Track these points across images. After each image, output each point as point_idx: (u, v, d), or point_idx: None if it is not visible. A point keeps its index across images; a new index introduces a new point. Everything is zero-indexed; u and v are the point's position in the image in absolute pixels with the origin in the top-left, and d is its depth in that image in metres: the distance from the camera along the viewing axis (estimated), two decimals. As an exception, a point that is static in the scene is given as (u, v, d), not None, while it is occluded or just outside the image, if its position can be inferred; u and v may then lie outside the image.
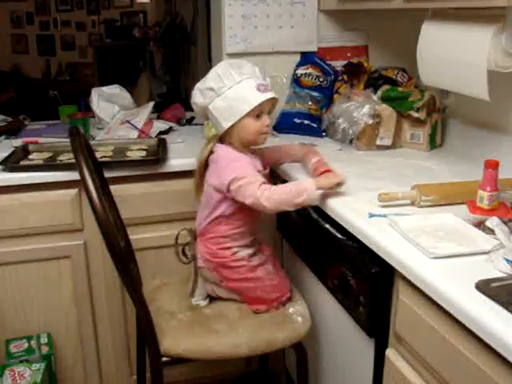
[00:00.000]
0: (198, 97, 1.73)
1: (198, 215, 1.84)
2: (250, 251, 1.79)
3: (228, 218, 1.74)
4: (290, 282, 1.89)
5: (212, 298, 1.85)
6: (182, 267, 1.99)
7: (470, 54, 1.73)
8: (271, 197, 1.60)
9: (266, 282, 1.80)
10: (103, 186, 1.85)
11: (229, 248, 1.76)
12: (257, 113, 1.70)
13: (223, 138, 1.76)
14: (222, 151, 1.74)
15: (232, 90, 1.67)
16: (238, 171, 1.66)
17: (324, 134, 2.49)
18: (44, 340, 2.14)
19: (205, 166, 1.78)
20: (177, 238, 1.84)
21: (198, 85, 1.73)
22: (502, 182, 1.65)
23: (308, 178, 1.72)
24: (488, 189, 1.46)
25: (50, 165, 2.07)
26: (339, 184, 1.69)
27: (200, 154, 1.79)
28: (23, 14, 8.19)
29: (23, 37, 8.32)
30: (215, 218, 1.74)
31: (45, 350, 2.11)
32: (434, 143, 2.28)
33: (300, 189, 1.62)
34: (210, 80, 1.70)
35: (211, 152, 1.76)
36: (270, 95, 1.70)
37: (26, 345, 2.11)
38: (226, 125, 1.69)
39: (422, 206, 1.59)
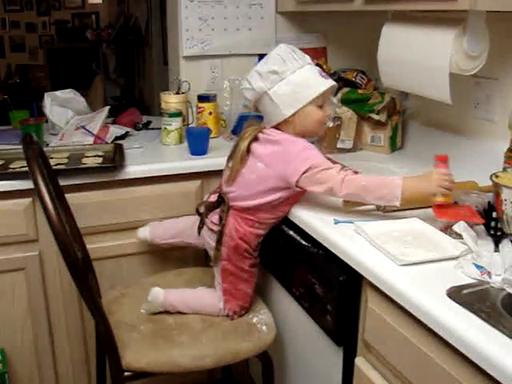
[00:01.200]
0: (256, 80, 1.62)
1: (232, 187, 1.70)
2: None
3: (274, 208, 1.67)
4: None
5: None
6: (140, 276, 1.95)
7: (432, 57, 1.72)
8: (353, 181, 1.50)
9: (253, 278, 1.79)
10: (58, 194, 1.78)
11: (258, 236, 1.72)
12: (320, 101, 1.63)
13: (278, 129, 1.66)
14: (288, 137, 1.63)
15: (296, 74, 1.60)
16: (313, 158, 1.56)
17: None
18: (-2, 356, 2.05)
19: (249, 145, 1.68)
20: (208, 197, 1.82)
21: (258, 68, 1.63)
22: (465, 185, 1.66)
23: (400, 176, 1.52)
24: None
25: (1, 173, 1.98)
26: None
27: (241, 144, 1.68)
28: (-30, 14, 7.96)
29: (-30, 38, 8.08)
30: (262, 203, 1.65)
31: (-2, 366, 2.02)
32: (394, 145, 2.28)
33: (385, 186, 1.48)
34: (272, 63, 1.61)
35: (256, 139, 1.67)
36: (332, 82, 1.65)
37: (-21, 362, 2.02)
38: (289, 112, 1.60)
39: (387, 211, 1.57)
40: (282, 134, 1.65)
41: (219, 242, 1.72)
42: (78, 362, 2.22)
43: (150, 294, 1.80)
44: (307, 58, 1.66)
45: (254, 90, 1.64)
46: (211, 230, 1.75)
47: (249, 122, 1.75)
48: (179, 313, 1.80)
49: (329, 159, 1.67)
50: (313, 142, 1.73)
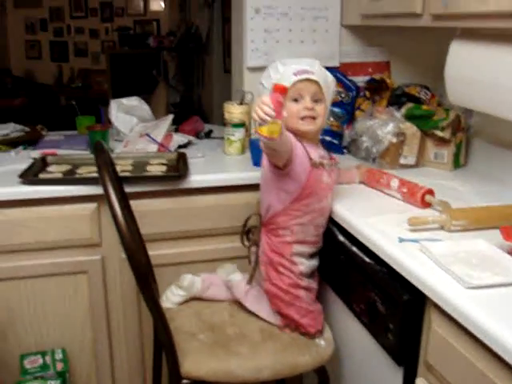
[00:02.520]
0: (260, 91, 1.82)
1: (260, 204, 1.84)
2: (305, 268, 1.77)
3: (287, 209, 1.71)
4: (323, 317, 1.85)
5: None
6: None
7: (504, 76, 1.69)
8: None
9: (303, 304, 1.76)
10: (124, 201, 1.82)
11: (289, 243, 1.73)
12: (295, 95, 1.70)
13: None
14: None
15: (274, 80, 1.73)
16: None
17: (345, 151, 2.46)
18: (59, 356, 2.10)
19: None
20: (246, 221, 1.87)
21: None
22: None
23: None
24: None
25: (69, 179, 2.04)
26: None
27: None
28: (37, 20, 8.20)
29: (37, 43, 8.34)
30: (272, 204, 1.73)
31: (60, 366, 2.07)
32: (458, 163, 2.24)
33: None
34: (263, 77, 1.80)
35: None
36: (304, 76, 1.70)
37: (41, 361, 2.07)
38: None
39: (452, 231, 1.55)
40: None
41: (256, 261, 1.78)
42: (135, 366, 2.26)
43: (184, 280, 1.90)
44: (298, 62, 1.78)
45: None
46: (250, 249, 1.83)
47: None
48: (238, 323, 1.81)
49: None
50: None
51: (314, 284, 1.81)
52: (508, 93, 1.68)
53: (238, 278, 1.88)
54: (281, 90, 1.49)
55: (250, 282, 1.82)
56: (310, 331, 1.76)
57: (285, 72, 1.73)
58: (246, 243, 1.84)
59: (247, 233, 1.86)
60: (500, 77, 1.71)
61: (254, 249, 1.81)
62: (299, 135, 1.71)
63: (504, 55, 1.70)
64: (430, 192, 1.78)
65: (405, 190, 1.83)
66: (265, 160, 1.73)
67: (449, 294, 1.23)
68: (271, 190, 1.73)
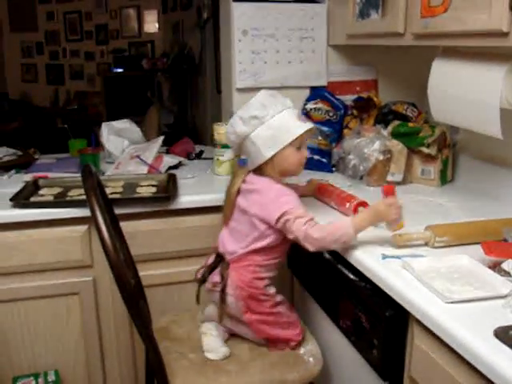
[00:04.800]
0: (239, 125, 1.70)
1: (226, 242, 1.80)
2: (274, 289, 1.79)
3: (269, 249, 1.73)
4: (302, 322, 1.88)
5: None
6: (191, 305, 1.98)
7: (482, 93, 1.73)
8: (313, 241, 1.58)
9: (284, 318, 1.79)
10: (113, 222, 1.84)
11: (262, 279, 1.74)
12: (298, 143, 1.71)
13: (258, 169, 1.74)
14: (264, 184, 1.72)
15: (275, 118, 1.67)
16: (286, 206, 1.64)
17: (334, 169, 2.49)
18: (52, 378, 2.11)
19: (236, 195, 1.78)
20: (207, 261, 1.85)
21: (240, 113, 1.71)
22: (516, 221, 1.65)
23: (348, 218, 1.68)
24: None
25: (60, 201, 2.07)
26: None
27: (231, 187, 1.78)
28: (33, 44, 8.29)
29: (33, 66, 8.41)
30: (258, 248, 1.72)
31: (52, 388, 2.08)
32: (445, 179, 2.27)
33: (337, 230, 1.59)
34: (253, 108, 1.68)
35: (243, 181, 1.76)
36: (310, 125, 1.73)
37: (34, 383, 2.08)
38: (269, 154, 1.68)
39: (436, 247, 1.57)
40: (260, 180, 1.73)
41: (222, 300, 1.75)
42: (128, 386, 2.27)
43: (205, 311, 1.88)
44: (288, 102, 1.74)
45: (236, 134, 1.72)
46: (214, 290, 1.78)
47: (235, 167, 1.86)
48: (227, 342, 1.83)
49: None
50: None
51: (282, 295, 1.84)
52: (488, 109, 1.71)
53: (212, 309, 1.86)
54: (393, 191, 1.60)
55: (220, 321, 1.80)
56: (295, 340, 1.79)
57: (287, 114, 1.70)
58: (216, 287, 1.78)
59: (211, 271, 1.82)
60: (479, 93, 1.74)
61: (216, 287, 1.77)
62: (282, 177, 1.76)
63: (482, 72, 1.74)
64: (363, 204, 1.84)
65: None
66: (260, 214, 1.69)
67: (428, 309, 1.25)
68: (259, 230, 1.71)
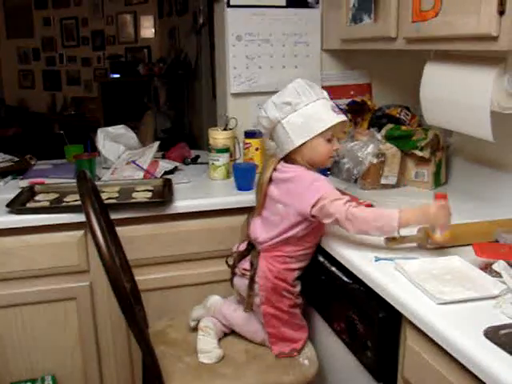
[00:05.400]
0: (271, 110, 1.70)
1: (258, 231, 1.80)
2: (299, 288, 1.81)
3: (299, 240, 1.73)
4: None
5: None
6: (187, 308, 2.00)
7: (473, 96, 1.75)
8: (356, 223, 1.57)
9: (297, 320, 1.81)
10: (109, 227, 1.85)
11: (293, 270, 1.76)
12: (329, 135, 1.71)
13: (289, 157, 1.75)
14: (297, 172, 1.72)
15: (308, 107, 1.68)
16: (321, 190, 1.64)
17: (328, 173, 2.50)
18: (49, 383, 2.12)
19: (268, 184, 1.78)
20: (238, 247, 1.87)
21: (274, 98, 1.72)
22: (507, 223, 1.67)
23: (397, 209, 1.59)
24: None
25: (56, 207, 2.08)
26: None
27: (263, 175, 1.78)
28: (30, 50, 8.31)
29: (29, 72, 8.43)
30: (287, 237, 1.72)
31: (49, 393, 2.09)
32: (438, 181, 2.29)
33: (381, 218, 1.57)
34: (287, 94, 1.69)
35: (274, 169, 1.76)
36: (343, 118, 1.73)
37: (31, 388, 2.10)
38: (298, 142, 1.68)
39: (428, 249, 1.59)
40: (292, 168, 1.73)
41: (251, 287, 1.77)
42: (125, 390, 2.28)
43: (208, 300, 1.90)
44: (324, 93, 1.75)
45: (268, 119, 1.72)
46: (244, 276, 1.80)
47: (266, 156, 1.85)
48: (223, 345, 1.84)
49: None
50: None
51: (302, 298, 1.86)
52: (478, 112, 1.73)
53: (216, 299, 1.90)
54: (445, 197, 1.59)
55: (247, 309, 1.80)
56: (299, 343, 1.81)
57: (321, 104, 1.71)
58: (246, 273, 1.81)
59: (241, 258, 1.84)
60: (470, 96, 1.76)
61: (246, 274, 1.79)
62: (312, 166, 1.75)
63: (473, 76, 1.75)
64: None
65: None
66: (296, 204, 1.68)
67: (420, 311, 1.27)
68: (290, 220, 1.71)
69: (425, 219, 1.57)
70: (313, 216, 1.65)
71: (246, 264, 1.80)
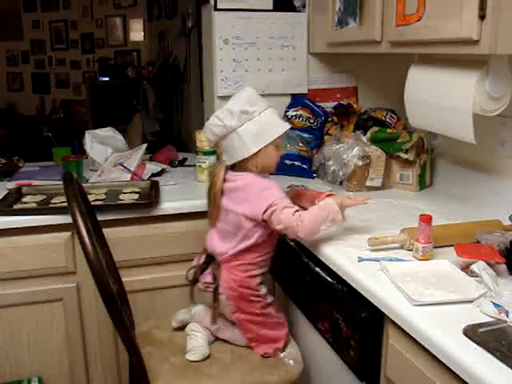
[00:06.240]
0: (227, 118, 1.71)
1: (215, 243, 1.81)
2: (266, 289, 1.82)
3: (258, 246, 1.75)
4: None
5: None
6: (174, 309, 2.01)
7: (456, 99, 1.77)
8: (304, 226, 1.63)
9: (273, 319, 1.82)
10: (96, 229, 1.86)
11: (255, 276, 1.77)
12: (278, 141, 1.76)
13: (237, 165, 1.76)
14: (247, 179, 1.74)
15: (262, 115, 1.72)
16: (271, 197, 1.67)
17: (314, 175, 2.52)
18: (35, 384, 2.13)
19: (220, 196, 1.78)
20: (198, 261, 1.86)
21: (229, 107, 1.73)
22: (489, 224, 1.69)
23: (326, 199, 1.75)
24: (422, 241, 1.54)
25: (43, 208, 2.09)
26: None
27: (214, 187, 1.78)
28: (19, 52, 8.29)
29: (18, 75, 8.41)
30: (246, 246, 1.74)
31: (36, 394, 2.10)
32: (423, 183, 2.31)
33: (324, 209, 1.67)
34: (243, 103, 1.71)
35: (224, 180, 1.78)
36: (289, 125, 1.80)
37: (17, 389, 2.10)
38: (254, 149, 1.71)
39: (411, 250, 1.60)
40: (241, 176, 1.76)
41: (215, 299, 1.78)
42: (112, 391, 2.29)
43: (192, 308, 1.90)
44: (267, 102, 1.79)
45: (224, 127, 1.72)
46: (207, 289, 1.81)
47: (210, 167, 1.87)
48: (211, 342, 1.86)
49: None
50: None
51: (272, 296, 1.87)
52: (461, 115, 1.75)
53: (200, 308, 1.90)
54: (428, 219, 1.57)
55: (214, 322, 1.82)
56: (282, 340, 1.82)
57: (272, 112, 1.76)
58: (203, 284, 1.82)
59: (202, 271, 1.84)
60: (453, 99, 1.79)
61: (209, 288, 1.80)
62: (262, 172, 1.78)
63: (456, 79, 1.78)
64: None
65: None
66: (246, 211, 1.71)
67: (402, 310, 1.29)
68: (245, 229, 1.73)
69: (347, 198, 1.77)
70: (264, 221, 1.68)
71: (207, 277, 1.81)
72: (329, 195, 1.85)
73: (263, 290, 1.81)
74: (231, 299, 1.76)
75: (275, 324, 1.83)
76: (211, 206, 1.81)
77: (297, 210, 1.66)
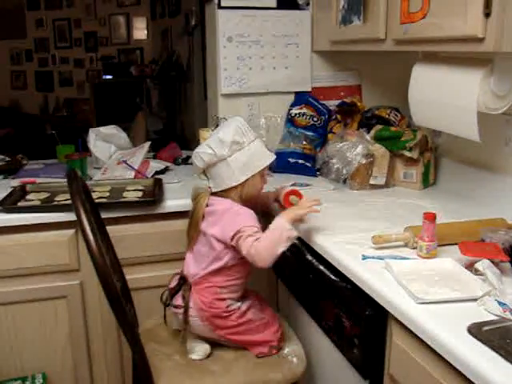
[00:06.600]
0: (218, 148, 1.73)
1: (190, 265, 1.83)
2: (238, 303, 1.81)
3: (229, 269, 1.76)
4: (282, 319, 1.92)
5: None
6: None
7: (461, 97, 1.77)
8: (260, 256, 1.65)
9: (256, 323, 1.81)
10: (100, 226, 1.86)
11: (224, 300, 1.77)
12: (265, 170, 1.81)
13: (222, 192, 1.79)
14: (224, 205, 1.77)
15: (251, 145, 1.76)
16: (240, 224, 1.69)
17: (318, 173, 2.52)
18: (39, 381, 2.13)
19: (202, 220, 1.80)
20: (169, 284, 1.87)
21: (221, 136, 1.73)
22: (493, 222, 1.69)
23: (276, 218, 1.74)
24: (426, 239, 1.54)
25: (47, 206, 2.09)
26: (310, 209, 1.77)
27: (196, 213, 1.81)
28: (22, 51, 8.29)
29: (22, 73, 8.41)
30: (216, 268, 1.75)
31: (40, 391, 2.10)
32: (426, 182, 2.31)
33: (275, 233, 1.67)
34: (234, 133, 1.74)
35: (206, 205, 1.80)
36: (274, 156, 1.84)
37: (21, 386, 2.10)
38: (242, 178, 1.75)
39: (415, 248, 1.60)
40: (220, 201, 1.78)
41: (185, 321, 1.78)
42: (115, 388, 2.29)
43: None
44: (254, 133, 1.82)
45: (214, 155, 1.74)
46: (178, 311, 1.81)
47: (195, 187, 1.90)
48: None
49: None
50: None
51: (250, 298, 1.86)
52: (466, 113, 1.75)
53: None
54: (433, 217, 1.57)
55: (184, 342, 1.82)
56: (274, 339, 1.81)
57: (259, 143, 1.79)
58: (180, 310, 1.80)
59: (174, 294, 1.84)
60: (457, 97, 1.78)
61: (179, 310, 1.80)
62: (245, 202, 1.80)
63: (460, 77, 1.78)
64: (294, 192, 1.91)
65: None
66: (218, 234, 1.73)
67: (406, 308, 1.29)
68: (216, 250, 1.75)
69: (297, 208, 1.78)
70: (232, 246, 1.71)
71: (178, 300, 1.81)
72: (292, 192, 1.90)
73: (234, 306, 1.79)
74: (205, 319, 1.77)
75: (261, 326, 1.82)
76: (192, 229, 1.83)
77: (256, 239, 1.66)
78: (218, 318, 1.76)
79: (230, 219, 1.72)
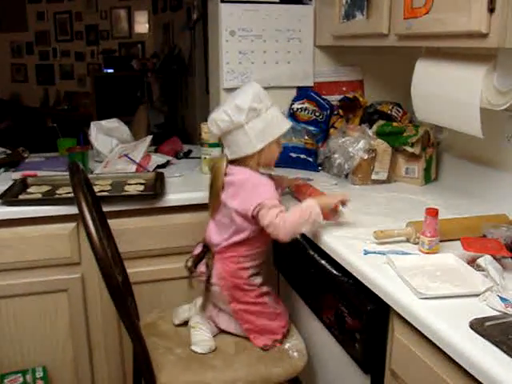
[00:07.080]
0: (236, 114, 1.70)
1: (212, 234, 1.83)
2: (260, 279, 1.82)
3: (250, 240, 1.76)
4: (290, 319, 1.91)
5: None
6: (178, 301, 2.01)
7: (464, 93, 1.76)
8: (286, 228, 1.64)
9: (270, 309, 1.82)
10: (101, 219, 1.86)
11: (247, 268, 1.78)
12: (281, 138, 1.79)
13: (239, 161, 1.77)
14: (245, 175, 1.75)
15: (268, 112, 1.74)
16: (263, 196, 1.69)
17: (320, 168, 2.52)
18: (40, 374, 2.13)
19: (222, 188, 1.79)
20: (193, 251, 1.88)
21: (238, 103, 1.71)
22: (495, 218, 1.69)
23: (308, 199, 1.74)
24: (428, 234, 1.54)
25: (48, 199, 2.09)
26: (342, 202, 1.78)
27: (217, 181, 1.79)
28: (23, 44, 8.28)
29: (23, 66, 8.40)
30: (238, 240, 1.75)
31: (40, 384, 2.10)
32: (428, 177, 2.31)
33: (305, 211, 1.66)
34: (252, 99, 1.71)
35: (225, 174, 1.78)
36: (291, 122, 1.84)
37: (22, 379, 2.09)
38: (260, 146, 1.73)
39: (417, 243, 1.60)
40: (239, 171, 1.77)
41: (207, 289, 1.80)
42: (116, 381, 2.30)
43: (197, 302, 1.91)
44: (270, 98, 1.80)
45: (231, 122, 1.72)
46: (200, 280, 1.83)
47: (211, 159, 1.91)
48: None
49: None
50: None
51: (270, 286, 1.87)
52: (468, 109, 1.75)
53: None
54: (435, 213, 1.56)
55: (204, 309, 1.85)
56: (280, 332, 1.82)
57: (276, 110, 1.78)
58: (199, 273, 1.84)
59: (198, 261, 1.86)
60: (460, 93, 1.78)
61: (202, 277, 1.82)
62: (264, 167, 1.81)
63: (463, 72, 1.77)
64: (305, 187, 1.97)
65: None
66: (239, 207, 1.72)
67: (408, 303, 1.29)
68: (237, 223, 1.75)
69: (326, 197, 1.81)
70: (253, 217, 1.70)
71: (202, 267, 1.82)
72: (321, 194, 1.90)
73: (257, 280, 1.81)
74: (225, 289, 1.77)
75: (273, 314, 1.83)
76: (213, 198, 1.82)
77: (281, 211, 1.67)
78: (238, 289, 1.77)
79: (250, 191, 1.71)
